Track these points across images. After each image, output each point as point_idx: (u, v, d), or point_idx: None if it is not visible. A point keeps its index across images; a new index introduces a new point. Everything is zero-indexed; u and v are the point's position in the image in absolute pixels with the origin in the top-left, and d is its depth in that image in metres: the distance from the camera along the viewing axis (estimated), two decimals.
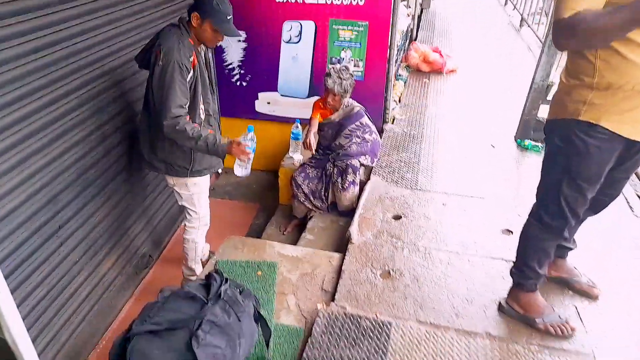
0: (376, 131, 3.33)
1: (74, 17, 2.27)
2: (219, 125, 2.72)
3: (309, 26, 3.85)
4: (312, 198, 3.29)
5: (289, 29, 3.89)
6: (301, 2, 3.74)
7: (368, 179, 3.40)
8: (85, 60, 2.39)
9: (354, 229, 2.79)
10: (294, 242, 3.33)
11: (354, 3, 3.67)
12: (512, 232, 2.79)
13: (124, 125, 2.77)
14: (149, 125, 2.45)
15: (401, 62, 5.73)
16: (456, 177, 3.41)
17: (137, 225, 3.07)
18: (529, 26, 7.22)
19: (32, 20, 2.01)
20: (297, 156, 3.63)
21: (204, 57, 2.48)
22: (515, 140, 3.93)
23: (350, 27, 3.78)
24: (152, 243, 3.27)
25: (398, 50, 5.09)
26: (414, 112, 4.58)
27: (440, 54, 5.66)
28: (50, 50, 2.14)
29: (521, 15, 7.58)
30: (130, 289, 3.00)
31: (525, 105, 3.84)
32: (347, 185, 3.17)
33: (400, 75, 5.47)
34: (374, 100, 4.04)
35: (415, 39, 6.72)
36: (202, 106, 2.44)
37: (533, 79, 3.70)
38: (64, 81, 2.26)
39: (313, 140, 3.15)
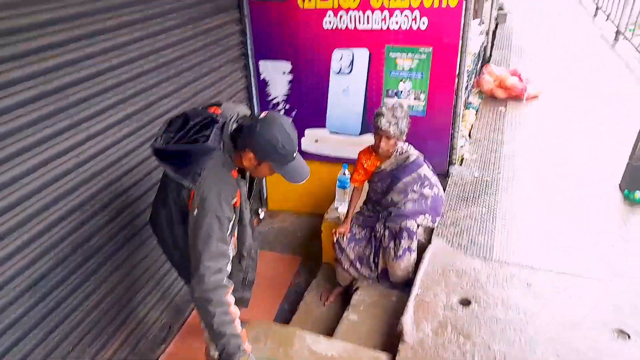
0: (439, 184, 2.69)
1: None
2: (254, 267, 2.17)
3: (362, 55, 3.31)
4: (358, 265, 2.72)
5: (339, 58, 3.38)
6: (353, 28, 3.22)
7: (429, 240, 2.77)
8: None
9: (407, 320, 2.18)
10: (336, 315, 2.77)
11: (415, 27, 3.08)
12: (629, 336, 2.03)
13: (134, 185, 2.39)
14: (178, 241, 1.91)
15: (472, 87, 5.02)
16: (544, 244, 2.68)
17: (152, 297, 2.66)
18: (626, 39, 6.17)
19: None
20: (342, 209, 3.08)
21: (247, 184, 1.94)
22: (622, 190, 3.10)
23: (410, 55, 3.20)
24: (172, 312, 2.85)
25: (469, 75, 4.41)
26: (488, 150, 3.86)
27: (520, 78, 4.88)
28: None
29: (616, 27, 6.53)
30: None
31: (635, 147, 3.01)
32: (401, 253, 2.56)
33: (470, 104, 4.76)
34: (437, 138, 3.41)
35: (489, 60, 5.96)
36: (233, 245, 1.92)
37: None
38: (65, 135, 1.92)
39: (346, 231, 2.69)
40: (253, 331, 2.17)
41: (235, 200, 1.74)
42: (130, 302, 2.48)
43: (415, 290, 2.37)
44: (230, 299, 1.71)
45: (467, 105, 4.66)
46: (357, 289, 2.75)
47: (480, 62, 5.55)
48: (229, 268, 1.75)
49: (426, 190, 2.61)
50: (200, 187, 1.65)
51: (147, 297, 2.62)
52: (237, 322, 1.68)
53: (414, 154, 2.63)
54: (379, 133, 2.49)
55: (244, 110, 1.82)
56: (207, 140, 1.67)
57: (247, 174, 1.96)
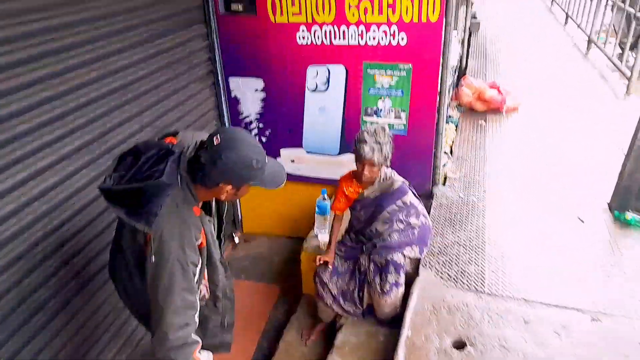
0: (425, 212, 2.51)
1: None
2: (232, 308, 1.92)
3: (338, 71, 3.12)
4: (341, 301, 2.50)
5: (314, 75, 3.18)
6: (328, 43, 3.03)
7: (415, 271, 2.58)
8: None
9: None
10: (319, 356, 2.55)
11: (394, 43, 2.91)
12: None
13: (87, 225, 2.12)
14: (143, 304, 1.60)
15: (451, 100, 4.90)
16: (538, 272, 2.52)
17: (113, 345, 2.37)
18: (598, 48, 6.19)
19: None
20: (323, 237, 2.86)
21: (214, 217, 1.76)
22: (611, 210, 2.99)
23: (389, 72, 3.02)
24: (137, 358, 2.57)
25: (448, 89, 4.28)
26: (471, 167, 3.72)
27: (499, 90, 4.78)
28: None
29: (588, 36, 6.57)
30: None
31: (624, 166, 2.91)
32: (388, 288, 2.36)
33: (450, 117, 4.63)
34: (420, 158, 3.25)
35: (466, 71, 5.88)
36: (204, 288, 1.70)
37: (635, 135, 2.78)
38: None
39: (330, 260, 2.49)
40: None
41: (199, 240, 1.52)
42: (87, 354, 2.19)
43: (405, 332, 2.17)
44: (200, 355, 1.51)
45: (447, 119, 4.53)
46: (341, 326, 2.54)
47: (457, 73, 5.45)
48: (196, 319, 1.52)
49: (412, 220, 2.42)
50: (157, 231, 1.41)
51: (108, 345, 2.34)
52: None
53: (398, 180, 2.44)
54: (361, 161, 2.29)
55: (203, 137, 1.57)
56: (161, 175, 1.43)
57: (212, 203, 1.74)
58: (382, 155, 2.26)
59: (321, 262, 2.52)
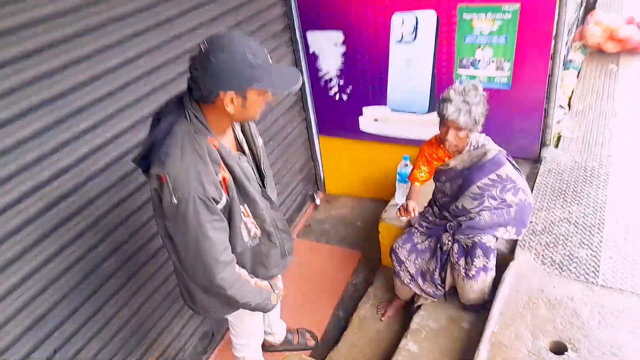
0: (526, 187, 2.10)
1: None
2: (289, 236, 1.75)
3: (427, 18, 2.69)
4: (420, 281, 2.26)
5: (400, 23, 2.79)
6: None
7: (511, 252, 2.22)
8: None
9: None
10: (394, 336, 2.38)
11: None
12: None
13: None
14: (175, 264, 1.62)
15: (572, 41, 4.11)
16: None
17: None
18: None
19: None
20: None
21: (248, 135, 1.59)
22: None
23: (490, 15, 2.52)
24: (213, 320, 2.62)
25: (569, 29, 3.56)
26: (594, 124, 3.09)
27: (639, 26, 3.88)
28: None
29: None
30: None
31: None
32: (474, 273, 2.05)
33: (570, 62, 3.89)
34: (527, 115, 2.75)
35: (595, 4, 4.87)
36: (246, 229, 1.54)
37: None
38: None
39: (413, 208, 2.11)
40: None
41: (220, 175, 1.37)
42: (163, 317, 2.27)
43: (491, 326, 1.87)
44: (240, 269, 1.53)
45: (566, 65, 3.81)
46: (419, 307, 2.31)
47: (583, 8, 4.54)
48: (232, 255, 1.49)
49: (509, 196, 2.04)
50: (170, 169, 1.29)
51: (184, 307, 2.41)
52: (252, 280, 1.56)
53: (493, 149, 2.05)
54: (445, 123, 1.95)
55: None
56: (159, 117, 1.37)
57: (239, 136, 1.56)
58: (470, 118, 1.89)
59: (404, 214, 2.15)
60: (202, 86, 1.26)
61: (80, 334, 1.84)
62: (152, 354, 2.23)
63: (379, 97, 3.13)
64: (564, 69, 3.76)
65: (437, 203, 2.28)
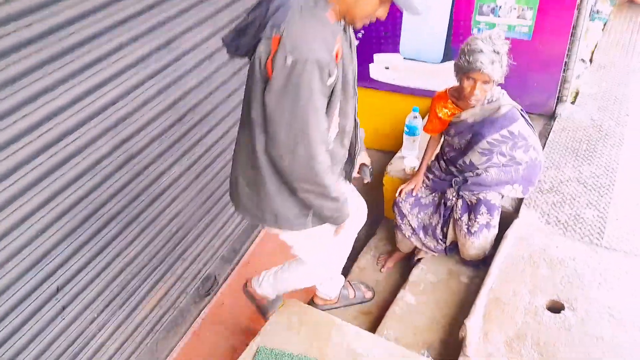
0: (538, 145, 2.03)
1: None
2: (360, 147, 1.73)
3: None
4: (422, 235, 2.25)
5: None
6: None
7: (516, 210, 2.19)
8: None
9: (473, 325, 1.73)
10: (393, 287, 2.41)
11: None
12: None
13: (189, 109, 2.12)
14: (249, 157, 1.44)
15: None
16: None
17: (196, 246, 2.47)
18: None
19: None
20: (410, 161, 2.54)
21: (349, 40, 1.44)
22: None
23: None
24: (219, 261, 2.67)
25: None
26: (614, 81, 2.95)
27: None
28: None
29: None
30: (186, 324, 2.49)
31: None
32: (476, 229, 2.03)
33: (597, 13, 3.67)
34: (545, 68, 2.63)
35: None
36: (336, 121, 1.47)
37: None
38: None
39: (416, 188, 2.11)
40: (285, 314, 1.88)
41: (336, 47, 1.27)
42: (165, 260, 2.30)
43: (490, 282, 1.88)
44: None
45: (591, 16, 3.59)
46: (419, 260, 2.32)
47: None
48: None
49: (519, 154, 1.98)
50: (289, 29, 1.19)
51: (187, 250, 2.44)
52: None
53: (507, 103, 1.96)
54: (472, 76, 1.82)
55: None
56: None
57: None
58: (502, 69, 1.80)
59: (404, 193, 2.24)
60: None
61: (83, 273, 1.87)
62: (154, 294, 2.28)
63: (391, 43, 2.98)
64: (589, 20, 3.55)
65: (444, 157, 2.22)
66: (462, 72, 1.84)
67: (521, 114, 1.98)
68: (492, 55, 1.76)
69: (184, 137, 2.17)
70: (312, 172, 1.32)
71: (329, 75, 1.25)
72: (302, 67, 1.18)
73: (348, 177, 1.76)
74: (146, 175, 2.03)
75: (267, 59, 1.23)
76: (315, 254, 1.77)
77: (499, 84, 1.94)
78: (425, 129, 2.23)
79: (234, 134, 2.46)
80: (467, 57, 1.79)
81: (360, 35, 3.05)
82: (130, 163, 1.92)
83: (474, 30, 2.65)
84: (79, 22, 1.60)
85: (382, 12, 1.30)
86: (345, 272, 2.70)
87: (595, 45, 3.34)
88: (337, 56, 1.28)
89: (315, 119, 1.26)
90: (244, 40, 1.34)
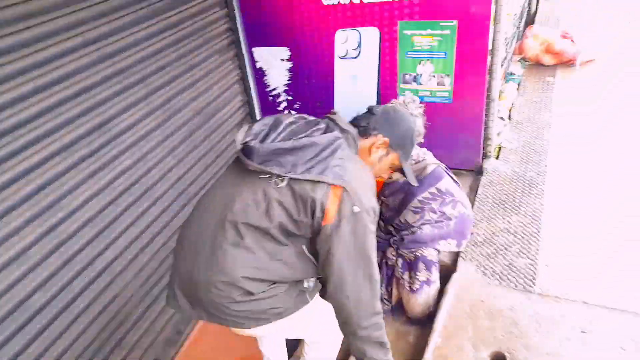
0: (465, 200, 2.16)
1: None
2: None
3: (370, 34, 2.74)
4: None
5: (343, 40, 2.82)
6: (358, 1, 2.64)
7: (454, 263, 2.26)
8: None
9: None
10: (345, 354, 2.35)
11: None
12: None
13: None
14: (260, 267, 1.38)
15: (513, 54, 4.29)
16: (606, 269, 2.11)
17: (135, 331, 2.34)
18: None
19: None
20: None
21: None
22: None
23: (429, 31, 2.59)
24: (162, 345, 2.52)
25: (508, 42, 3.71)
26: (532, 135, 3.22)
27: (572, 40, 4.10)
28: None
29: None
30: None
31: None
32: (417, 286, 2.08)
33: (511, 75, 4.06)
34: (468, 129, 2.83)
35: (535, 18, 5.12)
36: None
37: None
38: None
39: None
40: None
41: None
42: (102, 347, 2.16)
43: (434, 339, 1.90)
44: None
45: (507, 78, 3.97)
46: None
47: (523, 21, 4.76)
48: None
49: (448, 210, 2.09)
50: (350, 182, 1.31)
51: (125, 337, 2.30)
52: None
53: (432, 162, 2.10)
54: None
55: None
56: (326, 131, 1.38)
57: None
58: None
59: None
60: (369, 121, 1.50)
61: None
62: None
63: (326, 112, 3.12)
64: (505, 82, 3.92)
65: (382, 217, 2.30)
66: None
67: (446, 172, 2.11)
68: None
69: (119, 219, 2.13)
70: (377, 313, 1.42)
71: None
72: (366, 215, 1.32)
73: None
74: (78, 261, 1.95)
75: (326, 205, 1.30)
76: (318, 322, 1.69)
77: (421, 144, 2.08)
78: None
79: (171, 212, 2.47)
80: None
81: (297, 106, 3.20)
82: (58, 250, 1.85)
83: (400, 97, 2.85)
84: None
85: (395, 176, 1.60)
86: (294, 346, 2.63)
87: (512, 104, 3.66)
88: None
89: (374, 257, 1.39)
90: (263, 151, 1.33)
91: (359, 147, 1.48)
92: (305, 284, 1.47)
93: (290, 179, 1.30)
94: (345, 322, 1.42)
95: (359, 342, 1.44)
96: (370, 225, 1.35)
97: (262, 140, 1.33)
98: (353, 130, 1.47)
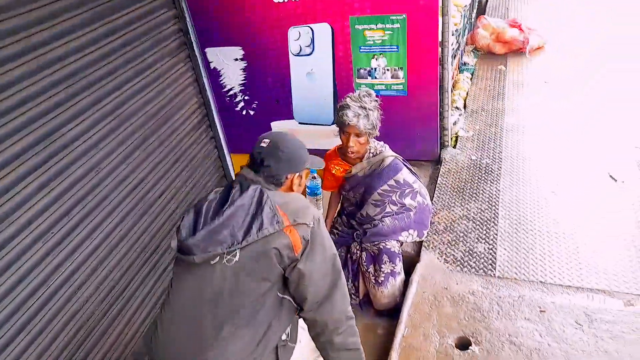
0: (424, 191, 2.20)
1: None
2: None
3: (322, 30, 2.74)
4: None
5: (296, 37, 2.81)
6: None
7: (418, 253, 2.30)
8: None
9: None
10: (314, 351, 2.35)
11: None
12: None
13: None
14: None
15: (466, 44, 4.39)
16: (560, 250, 2.19)
17: (103, 342, 2.26)
18: None
19: None
20: None
21: None
22: None
23: (380, 25, 2.62)
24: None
25: (459, 33, 3.79)
26: (486, 123, 3.31)
27: (520, 28, 4.23)
28: None
29: None
30: None
31: None
32: (382, 279, 2.10)
33: (465, 65, 4.16)
34: (424, 120, 2.88)
35: (485, 8, 5.26)
36: None
37: None
38: None
39: None
40: None
41: None
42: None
43: (401, 330, 1.92)
44: None
45: (460, 68, 4.06)
46: None
47: (475, 12, 4.88)
48: None
49: (408, 201, 2.12)
50: (289, 212, 1.36)
51: (93, 349, 2.23)
52: None
53: (389, 155, 2.11)
54: (345, 130, 1.99)
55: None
56: (242, 190, 1.38)
57: None
58: (368, 122, 1.95)
59: None
60: (278, 173, 1.44)
61: None
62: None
63: (285, 110, 3.12)
64: (459, 72, 4.01)
65: (344, 212, 2.31)
66: (339, 127, 1.99)
67: (403, 164, 2.13)
68: (357, 110, 1.92)
69: (70, 234, 2.05)
70: (349, 319, 1.48)
71: None
72: (317, 223, 1.39)
73: None
74: (29, 281, 1.86)
75: (289, 242, 1.34)
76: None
77: (377, 138, 2.10)
78: (323, 187, 2.32)
79: (130, 222, 2.39)
80: (338, 114, 1.95)
81: (255, 105, 3.17)
82: (7, 272, 1.76)
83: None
84: None
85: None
86: None
87: (467, 93, 3.75)
88: None
89: (340, 280, 1.45)
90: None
91: (282, 191, 1.49)
92: (284, 336, 1.45)
93: (240, 249, 1.30)
94: (321, 333, 1.45)
95: (335, 352, 1.48)
96: (326, 231, 1.44)
97: (194, 232, 1.32)
98: (262, 175, 1.43)
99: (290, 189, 1.52)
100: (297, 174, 1.51)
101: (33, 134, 1.88)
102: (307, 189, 2.74)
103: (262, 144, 1.45)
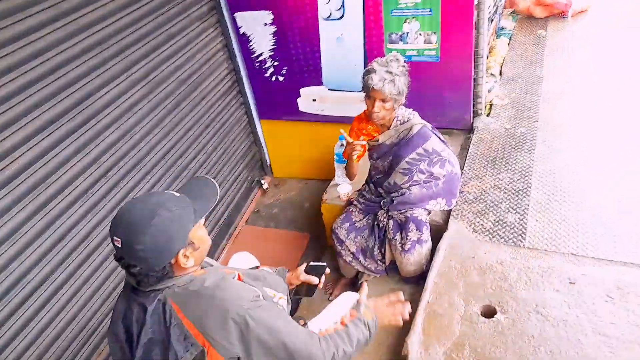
0: (453, 158, 2.15)
1: None
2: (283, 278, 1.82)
3: None
4: (361, 258, 2.29)
5: (326, 1, 2.74)
6: None
7: (446, 223, 2.28)
8: None
9: (414, 341, 1.77)
10: None
11: None
12: None
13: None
14: None
15: (504, 7, 4.19)
16: (594, 222, 2.13)
17: None
18: None
19: None
20: (343, 188, 2.60)
21: None
22: None
23: None
24: None
25: None
26: (523, 90, 3.18)
27: None
28: None
29: None
30: None
31: None
32: (409, 246, 2.11)
33: (502, 29, 3.98)
34: (457, 87, 2.80)
35: None
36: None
37: None
38: None
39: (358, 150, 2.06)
40: None
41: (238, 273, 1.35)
42: (108, 317, 2.22)
43: (426, 297, 1.93)
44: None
45: (497, 33, 3.89)
46: (361, 283, 2.35)
47: None
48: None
49: (436, 169, 2.09)
50: (205, 332, 1.14)
51: None
52: (344, 331, 1.43)
53: (417, 123, 2.07)
54: (370, 94, 1.96)
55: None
56: (145, 311, 1.15)
57: None
58: (394, 88, 1.91)
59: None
60: (152, 270, 1.11)
61: (18, 338, 1.77)
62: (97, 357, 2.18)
63: (314, 76, 3.09)
64: (496, 37, 3.84)
65: (372, 180, 2.31)
66: (364, 92, 1.96)
67: (432, 132, 2.09)
68: (384, 75, 1.88)
69: (109, 194, 2.13)
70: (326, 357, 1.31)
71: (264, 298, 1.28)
72: (245, 326, 1.15)
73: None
74: (71, 238, 1.96)
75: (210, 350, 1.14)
76: None
77: (407, 105, 2.06)
78: (344, 154, 2.28)
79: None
80: (364, 78, 1.92)
81: (284, 71, 3.14)
82: (50, 228, 1.86)
83: None
84: None
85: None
86: (295, 304, 2.69)
87: (503, 59, 3.60)
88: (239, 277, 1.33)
89: (291, 322, 1.27)
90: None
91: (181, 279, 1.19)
92: None
93: None
94: None
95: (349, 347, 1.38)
96: (269, 313, 1.21)
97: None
98: (143, 280, 1.14)
99: (185, 272, 1.19)
100: (180, 252, 1.14)
101: (66, 101, 1.93)
102: (335, 156, 2.75)
103: (115, 243, 1.11)
